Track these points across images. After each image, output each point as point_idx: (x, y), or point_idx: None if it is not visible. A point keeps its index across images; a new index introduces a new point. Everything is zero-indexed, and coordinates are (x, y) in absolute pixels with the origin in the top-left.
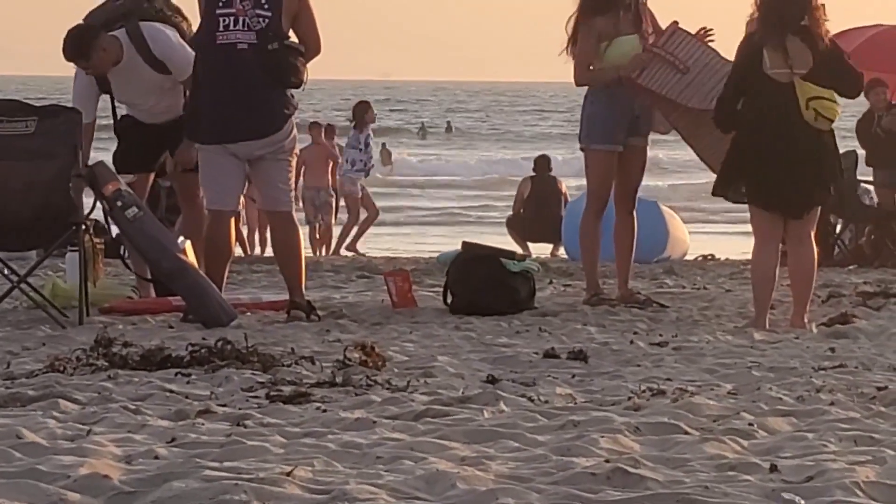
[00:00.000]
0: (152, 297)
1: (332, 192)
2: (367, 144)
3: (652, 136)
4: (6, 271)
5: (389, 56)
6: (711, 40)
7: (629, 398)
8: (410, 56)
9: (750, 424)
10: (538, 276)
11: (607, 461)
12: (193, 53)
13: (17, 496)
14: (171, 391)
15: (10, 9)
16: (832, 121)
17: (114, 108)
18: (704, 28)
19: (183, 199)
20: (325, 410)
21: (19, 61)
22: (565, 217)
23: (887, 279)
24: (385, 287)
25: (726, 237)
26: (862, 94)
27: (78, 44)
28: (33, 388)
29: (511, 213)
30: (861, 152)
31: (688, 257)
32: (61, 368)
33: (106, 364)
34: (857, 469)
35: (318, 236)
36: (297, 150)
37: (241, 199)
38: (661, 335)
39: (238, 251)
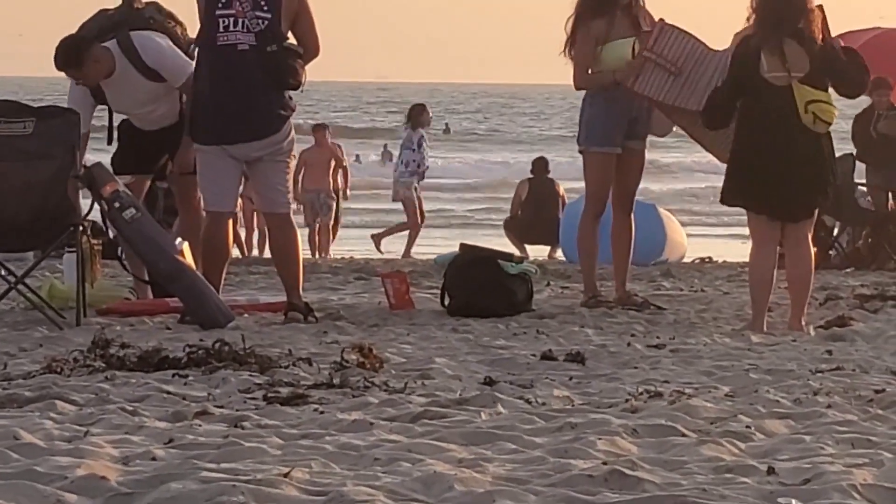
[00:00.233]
0: (150, 298)
1: (334, 195)
2: (419, 145)
3: (649, 139)
4: (3, 272)
5: (385, 58)
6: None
7: (626, 400)
8: (406, 58)
9: (747, 427)
10: (536, 278)
11: (604, 463)
12: (187, 58)
13: (14, 497)
14: (169, 392)
15: (10, 9)
16: (830, 124)
17: (111, 117)
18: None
19: (181, 200)
20: (322, 412)
21: (18, 62)
22: (563, 219)
23: (884, 282)
24: (383, 289)
25: (724, 240)
26: (864, 93)
27: (69, 53)
28: (30, 389)
29: (509, 215)
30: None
31: (685, 260)
32: (58, 369)
33: (103, 365)
34: (855, 471)
35: (316, 238)
36: (295, 152)
37: (238, 200)
38: (658, 337)
39: (236, 252)
